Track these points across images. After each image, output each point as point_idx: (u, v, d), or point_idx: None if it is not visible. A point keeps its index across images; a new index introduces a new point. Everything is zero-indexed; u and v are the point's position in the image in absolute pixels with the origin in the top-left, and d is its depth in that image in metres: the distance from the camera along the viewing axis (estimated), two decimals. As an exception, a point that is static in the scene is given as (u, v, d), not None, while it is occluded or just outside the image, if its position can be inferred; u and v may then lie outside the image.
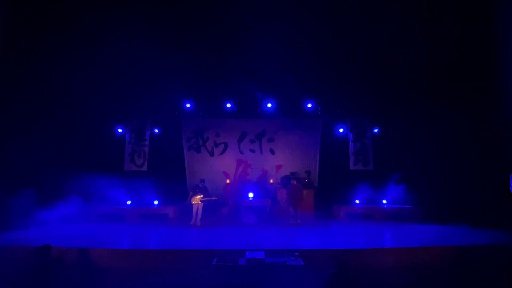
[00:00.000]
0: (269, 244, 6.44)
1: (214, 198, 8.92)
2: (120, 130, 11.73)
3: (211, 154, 12.17)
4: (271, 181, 11.67)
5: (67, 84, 9.55)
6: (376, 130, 11.77)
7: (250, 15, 9.02)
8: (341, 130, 11.90)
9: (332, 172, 11.45)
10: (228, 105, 11.52)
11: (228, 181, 11.93)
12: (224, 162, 12.12)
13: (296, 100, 11.41)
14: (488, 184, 8.60)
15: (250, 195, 10.63)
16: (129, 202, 10.78)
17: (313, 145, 12.00)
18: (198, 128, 12.18)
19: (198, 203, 8.60)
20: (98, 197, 9.56)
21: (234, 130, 12.22)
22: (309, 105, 11.48)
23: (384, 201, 10.77)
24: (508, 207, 7.39)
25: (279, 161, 12.06)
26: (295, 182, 9.00)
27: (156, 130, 11.94)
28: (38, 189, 7.95)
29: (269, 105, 11.39)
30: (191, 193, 8.80)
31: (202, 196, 8.66)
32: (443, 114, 9.73)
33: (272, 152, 12.16)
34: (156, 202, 10.93)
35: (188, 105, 11.50)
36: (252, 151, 12.16)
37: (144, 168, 11.57)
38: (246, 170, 12.09)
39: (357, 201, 10.89)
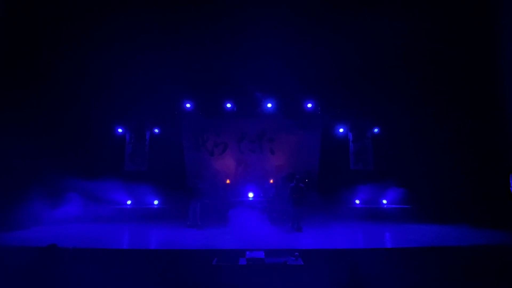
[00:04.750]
0: (269, 244, 6.42)
1: None
2: (120, 130, 11.73)
3: (211, 154, 12.15)
4: (271, 181, 11.66)
5: (67, 84, 9.57)
6: (376, 130, 11.76)
7: (251, 15, 9.04)
8: (341, 130, 11.89)
9: (332, 172, 11.41)
10: (228, 105, 11.53)
11: (228, 181, 11.93)
12: (224, 162, 12.10)
13: (296, 100, 11.42)
14: (488, 184, 8.60)
15: (250, 195, 10.62)
16: (129, 202, 10.77)
17: (313, 145, 11.95)
18: (198, 128, 12.15)
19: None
20: (98, 197, 9.55)
21: (234, 130, 12.18)
22: (309, 105, 11.49)
23: (384, 201, 10.76)
24: (508, 207, 7.40)
25: (279, 161, 12.03)
26: (295, 182, 8.97)
27: (156, 130, 11.94)
28: (38, 189, 7.95)
29: (269, 105, 11.40)
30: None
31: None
32: (443, 114, 9.73)
33: (272, 152, 12.15)
34: (156, 202, 10.92)
35: (188, 105, 11.51)
36: (252, 151, 12.14)
37: (144, 168, 11.57)
38: (246, 170, 12.07)
39: (357, 201, 10.89)
